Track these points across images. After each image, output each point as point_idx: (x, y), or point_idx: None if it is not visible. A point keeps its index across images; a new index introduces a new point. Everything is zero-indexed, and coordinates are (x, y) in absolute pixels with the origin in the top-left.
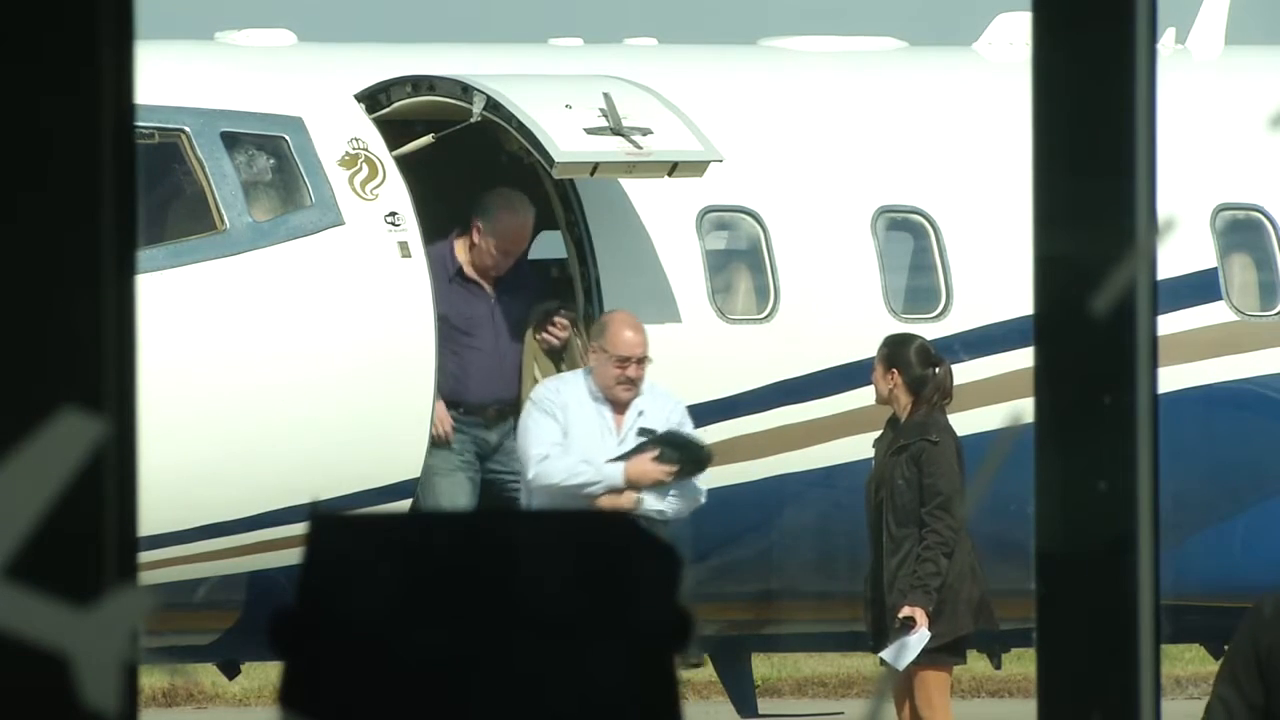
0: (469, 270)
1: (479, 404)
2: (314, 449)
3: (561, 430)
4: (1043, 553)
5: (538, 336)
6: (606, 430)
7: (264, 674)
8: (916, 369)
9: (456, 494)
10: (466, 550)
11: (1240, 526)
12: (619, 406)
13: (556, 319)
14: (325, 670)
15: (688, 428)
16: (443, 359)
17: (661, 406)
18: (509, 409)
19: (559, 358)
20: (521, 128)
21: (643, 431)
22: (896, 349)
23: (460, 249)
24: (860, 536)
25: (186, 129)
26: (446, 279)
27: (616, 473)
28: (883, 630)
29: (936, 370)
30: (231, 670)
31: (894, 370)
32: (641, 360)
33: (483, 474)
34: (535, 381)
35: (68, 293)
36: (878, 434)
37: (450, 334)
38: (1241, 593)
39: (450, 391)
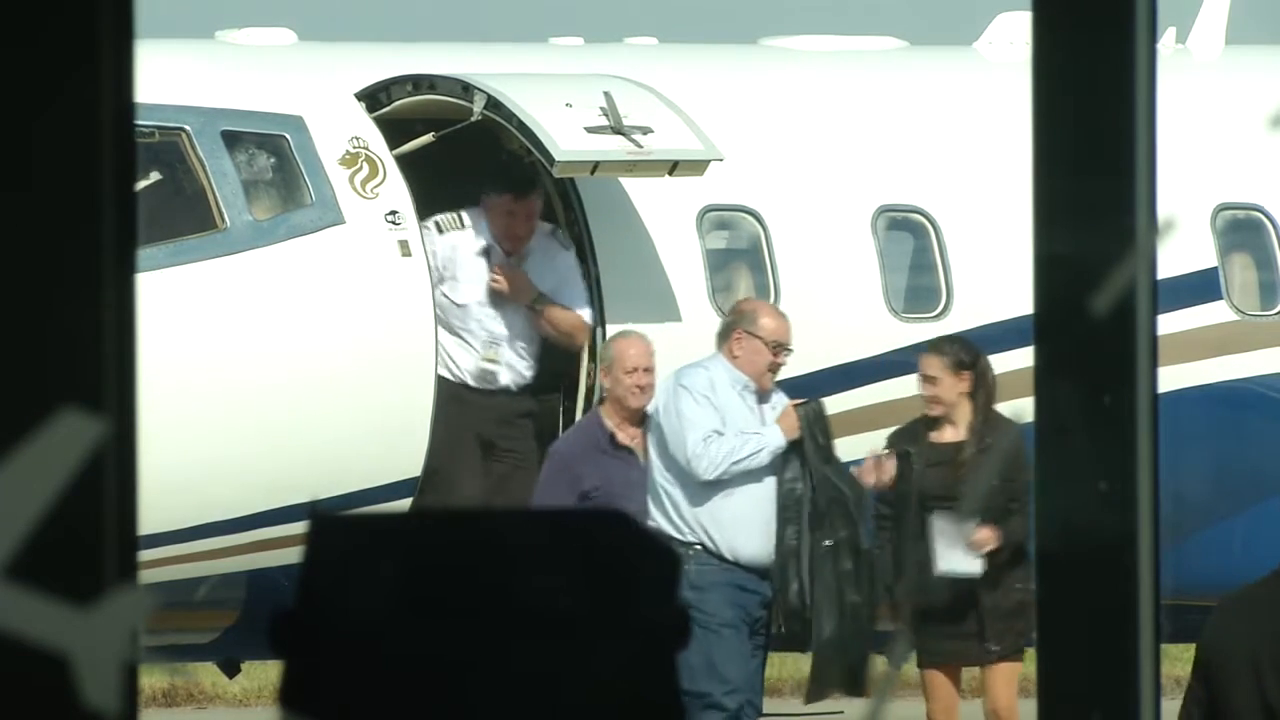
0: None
1: None
2: (314, 448)
3: (718, 415)
4: (1043, 553)
5: None
6: (754, 417)
7: (264, 674)
8: (984, 367)
9: None
10: (466, 550)
11: (1240, 526)
12: (762, 395)
13: None
14: (325, 670)
15: None
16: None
17: (783, 400)
18: None
19: None
20: (522, 126)
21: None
22: (969, 350)
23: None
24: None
25: (187, 128)
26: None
27: (776, 434)
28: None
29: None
30: (232, 669)
31: (965, 373)
32: (788, 349)
33: None
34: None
35: (68, 293)
36: (881, 432)
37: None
38: None
39: None
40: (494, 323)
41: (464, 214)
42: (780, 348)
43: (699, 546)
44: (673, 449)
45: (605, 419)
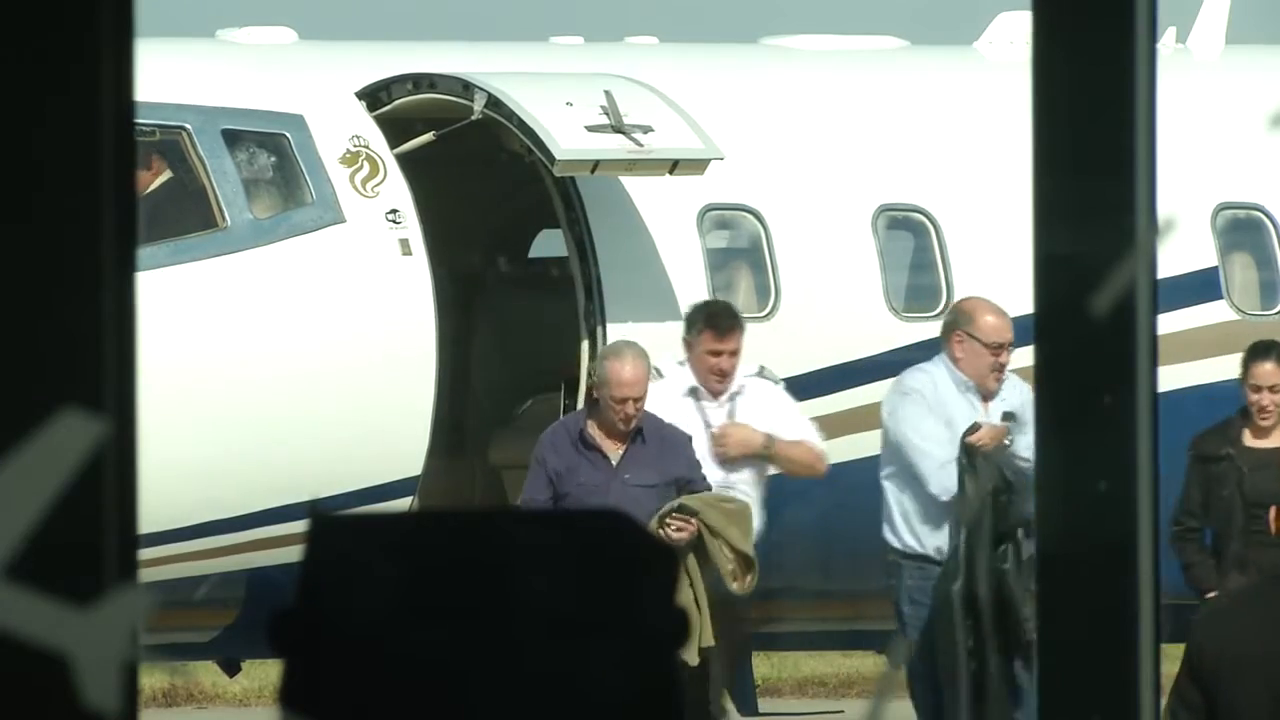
0: None
1: None
2: (314, 447)
3: (942, 422)
4: (1043, 553)
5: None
6: (978, 418)
7: (264, 673)
8: None
9: None
10: (467, 550)
11: None
12: (987, 395)
13: (671, 518)
14: (325, 670)
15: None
16: None
17: (1017, 393)
18: None
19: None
20: (522, 125)
21: (1005, 415)
22: None
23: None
24: (860, 534)
25: (188, 126)
26: None
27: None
28: None
29: None
30: (232, 669)
31: None
32: (1011, 346)
33: None
34: None
35: (68, 293)
36: (876, 432)
37: None
38: None
39: None
40: (720, 470)
41: (668, 362)
42: (1000, 347)
43: (925, 558)
44: (912, 465)
45: (587, 421)
